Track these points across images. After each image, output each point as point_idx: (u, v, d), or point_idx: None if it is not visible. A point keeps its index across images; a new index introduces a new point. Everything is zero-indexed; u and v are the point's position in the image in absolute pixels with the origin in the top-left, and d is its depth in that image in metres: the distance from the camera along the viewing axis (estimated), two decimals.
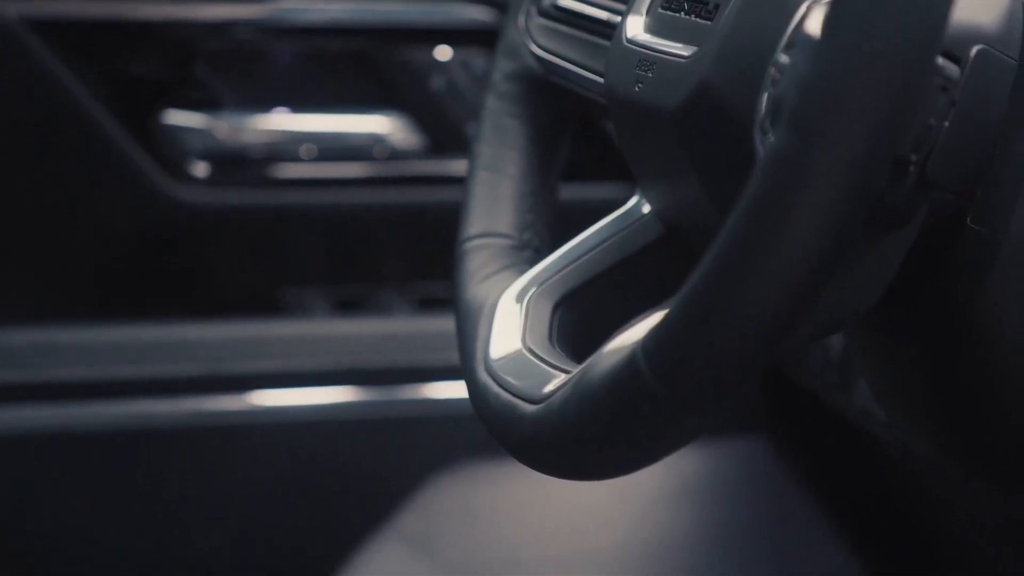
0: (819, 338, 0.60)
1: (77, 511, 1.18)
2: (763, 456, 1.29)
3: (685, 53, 0.63)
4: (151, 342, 1.20)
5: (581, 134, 1.31)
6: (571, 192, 1.24)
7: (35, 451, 1.17)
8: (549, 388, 0.60)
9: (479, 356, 0.69)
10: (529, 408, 0.61)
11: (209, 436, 1.19)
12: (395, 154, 1.32)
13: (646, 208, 0.73)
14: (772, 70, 0.58)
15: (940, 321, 0.62)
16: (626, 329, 0.56)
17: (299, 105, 1.31)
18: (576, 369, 0.59)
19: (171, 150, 1.27)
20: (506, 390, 0.64)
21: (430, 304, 1.34)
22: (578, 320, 0.71)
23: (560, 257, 0.73)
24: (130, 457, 1.19)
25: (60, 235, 1.27)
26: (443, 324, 1.24)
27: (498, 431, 0.65)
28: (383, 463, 1.22)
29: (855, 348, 0.72)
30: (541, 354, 0.66)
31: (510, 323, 0.70)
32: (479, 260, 0.76)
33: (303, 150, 1.31)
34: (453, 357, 1.22)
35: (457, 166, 1.30)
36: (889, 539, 1.32)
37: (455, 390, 1.23)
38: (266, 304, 1.33)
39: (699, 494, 1.29)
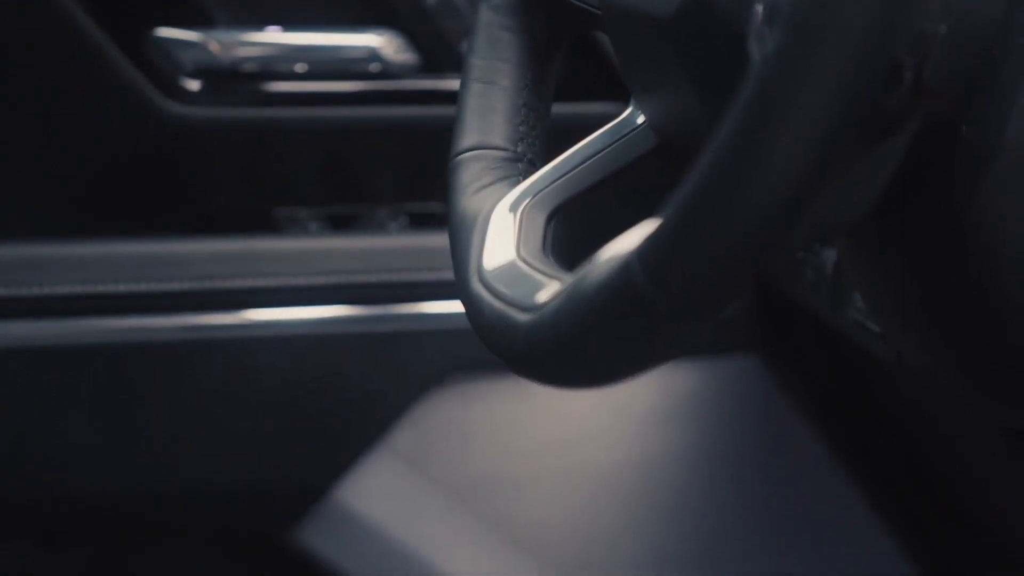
0: (813, 245, 0.60)
1: (70, 423, 1.19)
2: (757, 374, 1.30)
3: None
4: (143, 257, 1.19)
5: (576, 53, 1.30)
6: (565, 109, 1.24)
7: (28, 365, 1.17)
8: (543, 297, 0.60)
9: (473, 267, 0.69)
10: (523, 317, 0.61)
11: (202, 351, 1.19)
12: (388, 70, 1.31)
13: (640, 120, 0.73)
14: None
15: (934, 232, 0.62)
16: (620, 237, 0.56)
17: (292, 21, 1.31)
18: (570, 278, 0.59)
19: (163, 66, 1.27)
20: (500, 300, 0.64)
21: (423, 220, 1.34)
22: (572, 231, 0.71)
23: (554, 168, 0.73)
24: (123, 371, 1.19)
25: (52, 151, 1.27)
26: (437, 240, 1.24)
27: (493, 341, 0.65)
28: (376, 379, 1.23)
29: (849, 260, 0.72)
30: (535, 264, 0.66)
31: (504, 234, 0.70)
32: (473, 172, 0.76)
33: (296, 67, 1.30)
34: (447, 273, 1.23)
35: (450, 83, 1.30)
36: (882, 452, 1.32)
37: (449, 306, 1.23)
38: (259, 222, 1.33)
39: (693, 412, 1.30)
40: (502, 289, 0.65)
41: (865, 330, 1.02)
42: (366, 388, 1.23)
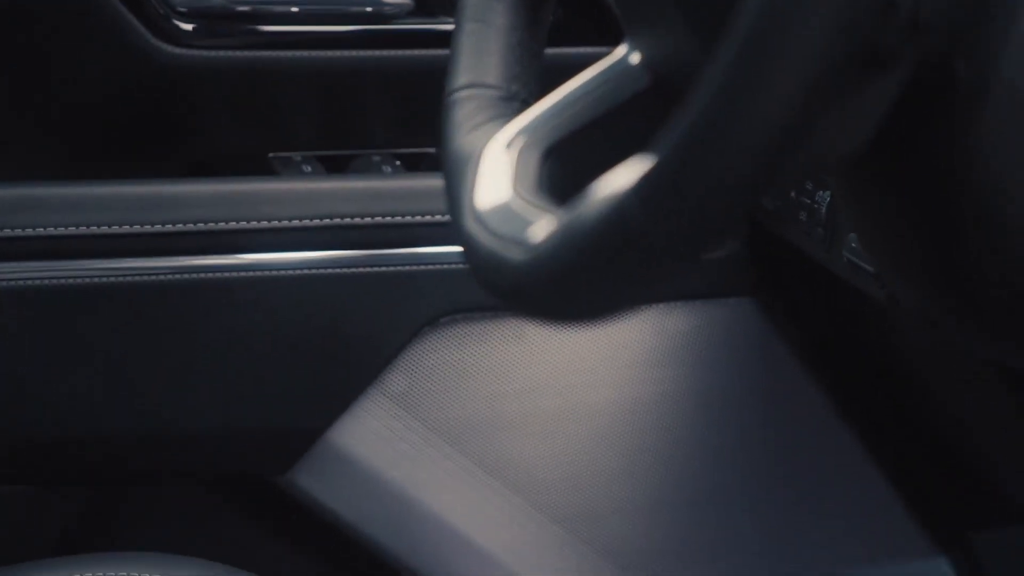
0: (808, 178, 0.60)
1: (65, 365, 1.19)
2: (751, 316, 1.30)
3: None
4: (137, 199, 1.19)
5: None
6: (557, 52, 1.24)
7: (22, 306, 1.17)
8: (539, 233, 0.60)
9: (468, 205, 0.69)
10: (519, 253, 0.61)
11: (196, 293, 1.19)
12: (383, 12, 1.31)
13: (635, 58, 0.73)
14: None
15: (930, 168, 0.62)
16: (614, 171, 0.56)
17: None
18: (565, 213, 0.59)
19: (156, 7, 1.26)
20: (496, 237, 0.64)
21: (418, 162, 1.34)
22: (567, 169, 0.71)
23: (549, 107, 0.73)
24: (117, 313, 1.19)
25: (44, 93, 1.27)
26: (431, 182, 1.24)
27: (489, 278, 0.65)
28: (370, 321, 1.23)
29: (845, 199, 0.72)
30: (531, 201, 0.66)
31: (499, 172, 0.70)
32: (467, 111, 0.76)
33: (291, 9, 1.30)
34: (441, 216, 1.23)
35: (445, 25, 1.30)
36: (875, 392, 1.33)
37: (443, 248, 1.23)
38: (253, 165, 1.33)
39: (687, 354, 1.30)
40: (498, 226, 0.65)
41: (859, 271, 1.02)
42: (360, 330, 1.23)
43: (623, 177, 0.55)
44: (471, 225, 0.68)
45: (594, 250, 0.55)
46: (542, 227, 0.61)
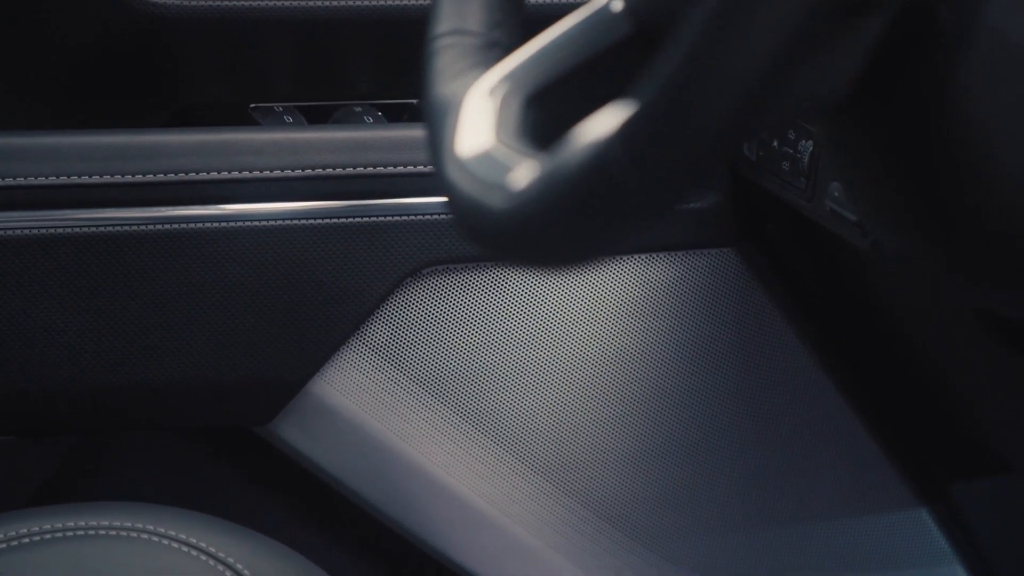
0: (792, 122, 0.60)
1: (46, 315, 1.19)
2: (733, 266, 1.30)
3: None
4: (118, 149, 1.19)
5: None
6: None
7: (2, 254, 1.17)
8: (521, 178, 0.60)
9: (449, 152, 0.69)
10: (501, 199, 0.61)
11: (177, 244, 1.19)
12: None
13: (617, 5, 0.73)
14: None
15: (913, 114, 0.62)
16: (596, 116, 0.56)
17: None
18: (547, 159, 0.59)
19: None
20: (478, 183, 0.64)
21: (401, 113, 1.34)
22: (550, 116, 0.71)
23: (531, 53, 0.72)
24: (99, 262, 1.18)
25: (24, 43, 1.26)
26: (413, 133, 1.24)
27: (470, 225, 0.65)
28: (351, 272, 1.23)
29: (829, 145, 0.73)
30: (513, 148, 0.66)
31: (480, 119, 0.69)
32: (448, 58, 0.75)
33: None
34: (422, 166, 1.23)
35: None
36: (858, 342, 1.33)
37: (425, 199, 1.23)
38: (235, 116, 1.32)
39: (669, 305, 1.30)
40: (479, 173, 0.65)
41: (841, 220, 1.02)
42: (341, 281, 1.23)
43: (605, 122, 0.55)
44: (453, 172, 0.68)
45: (576, 195, 0.55)
46: (524, 173, 0.61)
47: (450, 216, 0.67)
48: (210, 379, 1.24)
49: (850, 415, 1.35)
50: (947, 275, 0.67)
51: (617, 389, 1.31)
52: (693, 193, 0.52)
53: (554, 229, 0.57)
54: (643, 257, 1.28)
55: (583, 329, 1.29)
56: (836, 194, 1.01)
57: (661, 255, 1.29)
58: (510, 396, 1.30)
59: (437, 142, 0.71)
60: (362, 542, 1.42)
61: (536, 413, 1.30)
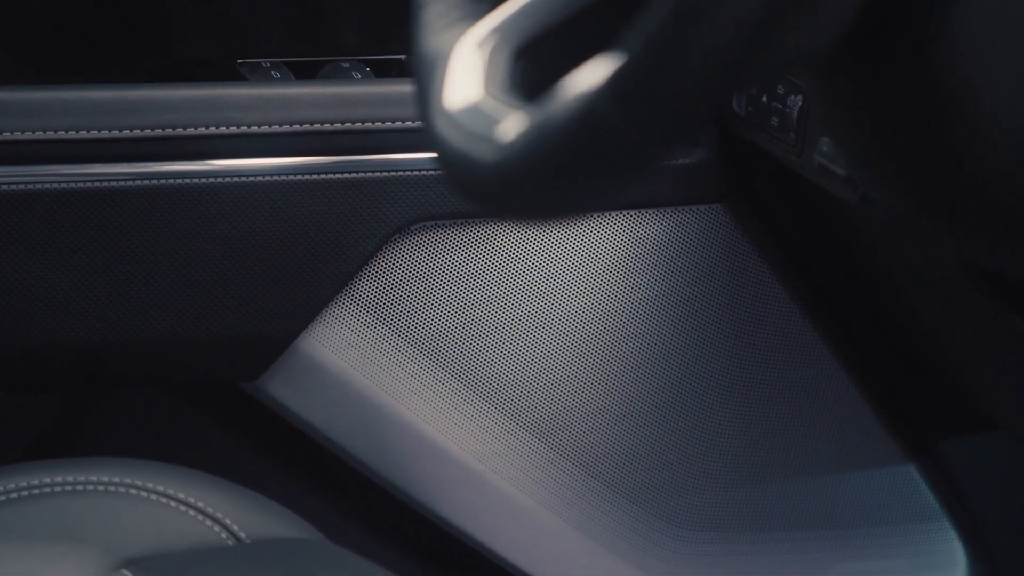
0: (778, 74, 0.60)
1: (33, 270, 1.18)
2: (721, 223, 1.30)
3: None
4: (106, 104, 1.18)
5: None
6: None
7: None
8: (510, 130, 0.60)
9: (438, 105, 0.69)
10: (490, 151, 0.61)
11: (165, 199, 1.19)
12: None
13: None
14: None
15: (903, 67, 0.62)
16: (584, 67, 0.56)
17: None
18: (536, 110, 0.59)
19: None
20: (466, 136, 0.64)
21: (389, 69, 1.33)
22: (538, 68, 0.70)
23: (519, 6, 0.72)
24: (85, 218, 1.18)
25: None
26: (401, 88, 1.24)
27: (459, 178, 0.65)
28: (340, 228, 1.22)
29: (819, 97, 0.72)
30: (501, 100, 0.65)
31: (469, 72, 0.69)
32: (436, 10, 0.75)
33: None
34: (410, 122, 1.23)
35: None
36: (847, 298, 1.33)
37: (412, 155, 1.23)
38: (222, 72, 1.32)
39: (657, 261, 1.30)
40: (468, 125, 0.65)
41: (830, 175, 1.02)
42: (329, 237, 1.22)
43: (594, 73, 0.55)
44: (441, 125, 0.67)
45: (565, 146, 0.55)
46: (512, 125, 0.60)
47: (439, 171, 0.67)
48: (197, 335, 1.24)
49: (839, 371, 1.35)
50: (936, 228, 0.67)
51: (605, 345, 1.31)
52: (682, 144, 0.52)
53: (542, 181, 0.57)
54: (632, 213, 1.28)
55: (572, 285, 1.29)
56: (825, 149, 1.01)
57: (650, 211, 1.29)
58: (498, 352, 1.30)
59: (425, 95, 0.71)
60: (349, 497, 1.42)
61: (524, 369, 1.31)
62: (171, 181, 1.19)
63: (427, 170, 1.23)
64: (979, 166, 0.61)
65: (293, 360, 1.27)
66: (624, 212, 1.28)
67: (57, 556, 1.00)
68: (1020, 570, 1.42)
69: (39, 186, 1.17)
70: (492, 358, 1.30)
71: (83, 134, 1.17)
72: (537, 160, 0.57)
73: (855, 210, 1.07)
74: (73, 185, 1.17)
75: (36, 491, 1.05)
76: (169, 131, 1.18)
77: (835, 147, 0.99)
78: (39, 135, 1.16)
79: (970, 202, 0.62)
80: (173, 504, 1.06)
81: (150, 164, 1.19)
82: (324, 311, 1.25)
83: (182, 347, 1.24)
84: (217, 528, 1.06)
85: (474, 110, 0.66)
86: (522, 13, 0.71)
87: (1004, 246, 0.64)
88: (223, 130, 1.19)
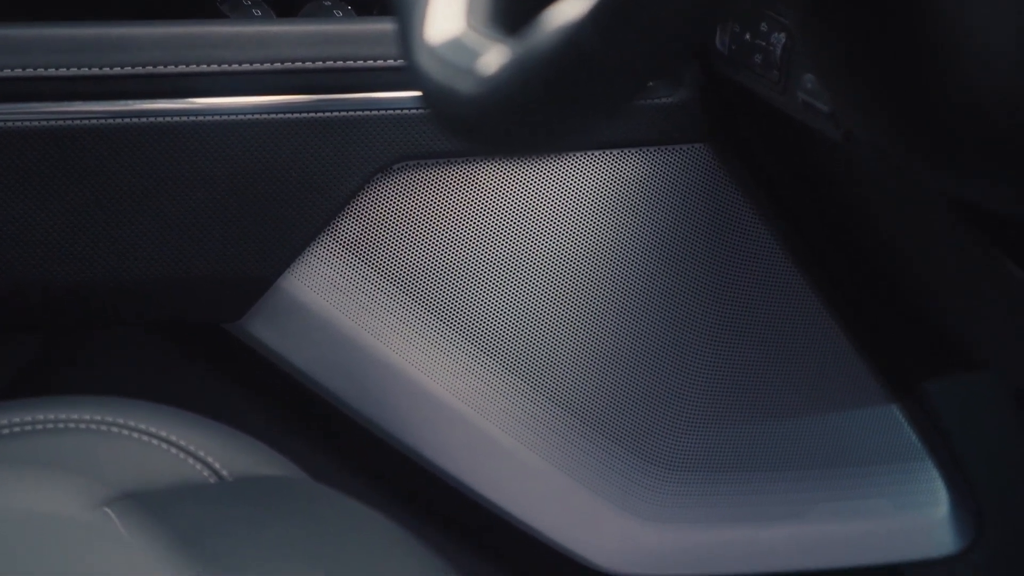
0: (761, 5, 0.60)
1: (13, 208, 1.18)
2: (705, 162, 1.29)
3: None
4: (86, 41, 1.17)
5: None
6: None
7: None
8: (492, 62, 0.60)
9: (419, 39, 0.68)
10: (472, 84, 0.61)
11: (142, 137, 1.18)
12: None
13: None
14: None
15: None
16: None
17: None
18: (519, 42, 0.58)
19: None
20: (448, 69, 0.64)
21: (371, 7, 1.33)
22: (520, 1, 0.70)
23: None
24: (66, 156, 1.17)
25: None
26: (383, 26, 1.23)
27: (442, 112, 0.65)
28: (321, 167, 1.22)
29: (803, 32, 0.72)
30: (483, 33, 0.65)
31: (450, 5, 0.69)
32: None
33: None
34: (392, 60, 1.22)
35: None
36: (832, 237, 1.33)
37: (394, 93, 1.22)
38: (202, 10, 1.31)
39: (640, 201, 1.30)
40: (450, 59, 0.64)
41: (814, 111, 1.02)
42: (311, 176, 1.22)
43: (576, 4, 0.54)
44: (423, 59, 0.67)
45: (548, 78, 0.55)
46: (495, 57, 0.60)
47: (421, 109, 0.67)
48: (179, 275, 1.23)
49: (823, 312, 1.35)
50: (921, 163, 0.66)
51: (587, 285, 1.31)
52: (664, 77, 0.51)
53: (524, 114, 0.57)
54: (614, 153, 1.28)
55: (554, 225, 1.29)
56: (809, 86, 1.01)
57: (632, 151, 1.28)
58: (480, 292, 1.29)
59: (407, 29, 0.70)
60: (332, 437, 1.42)
61: (507, 310, 1.30)
62: (152, 119, 1.18)
63: (409, 109, 1.22)
64: (966, 95, 0.60)
65: (275, 300, 1.26)
66: (607, 151, 1.27)
67: (40, 494, 1.00)
68: (1002, 508, 1.43)
69: (18, 124, 1.16)
70: (474, 298, 1.30)
71: (63, 71, 1.16)
72: (519, 92, 0.57)
73: (839, 149, 1.07)
74: (53, 123, 1.17)
75: (18, 429, 1.05)
76: (150, 69, 1.18)
77: (819, 83, 0.98)
78: (18, 72, 1.16)
79: (957, 133, 0.62)
80: (155, 442, 1.06)
81: (130, 102, 1.18)
82: (306, 251, 1.25)
83: (164, 287, 1.24)
84: (199, 466, 1.06)
85: (456, 43, 0.65)
86: None
87: (990, 179, 0.64)
88: (204, 68, 1.19)
